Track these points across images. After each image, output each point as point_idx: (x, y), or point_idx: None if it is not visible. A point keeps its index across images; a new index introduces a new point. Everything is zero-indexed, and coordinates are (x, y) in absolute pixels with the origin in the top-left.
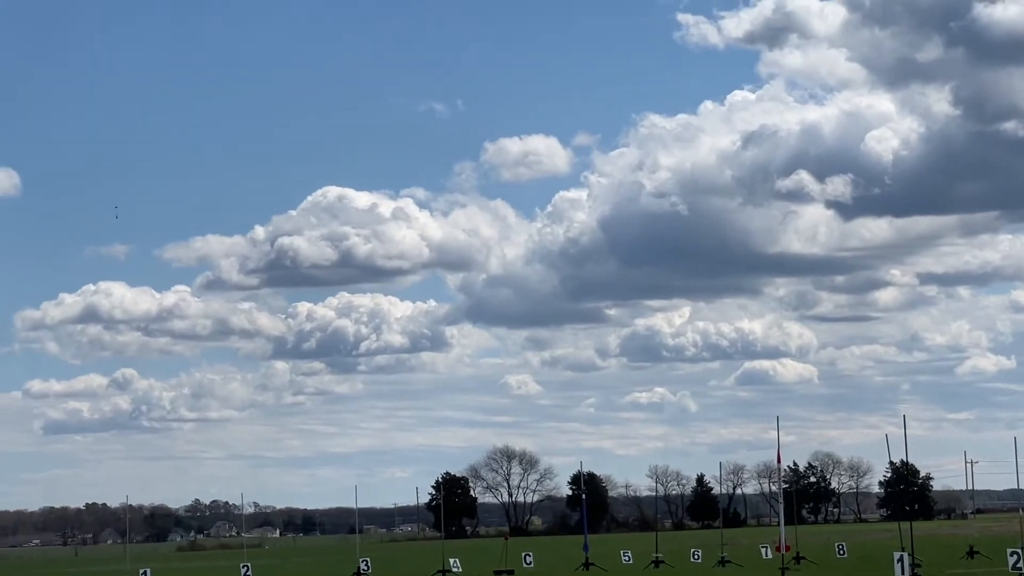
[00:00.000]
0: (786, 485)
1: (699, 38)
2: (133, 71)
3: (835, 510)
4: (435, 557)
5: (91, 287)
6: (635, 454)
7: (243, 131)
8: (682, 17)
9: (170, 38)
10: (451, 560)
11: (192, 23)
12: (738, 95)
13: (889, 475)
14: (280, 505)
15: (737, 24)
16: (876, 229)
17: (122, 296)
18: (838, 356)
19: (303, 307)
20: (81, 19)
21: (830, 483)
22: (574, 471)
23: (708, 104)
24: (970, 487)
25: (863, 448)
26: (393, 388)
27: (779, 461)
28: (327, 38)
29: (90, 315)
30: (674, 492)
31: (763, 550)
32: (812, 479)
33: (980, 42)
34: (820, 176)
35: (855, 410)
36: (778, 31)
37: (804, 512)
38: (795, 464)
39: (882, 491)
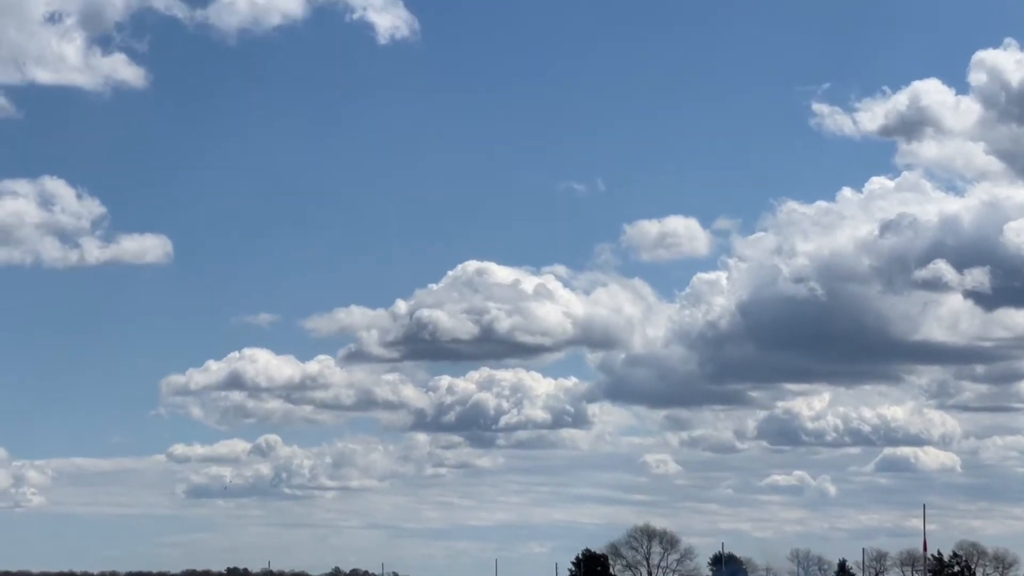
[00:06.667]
0: (930, 574)
1: (835, 127)
2: (283, 144)
3: None
4: None
5: (236, 354)
6: (772, 537)
7: (387, 205)
8: (817, 107)
9: (317, 112)
10: None
11: (339, 97)
12: (876, 182)
13: None
14: None
15: (871, 118)
16: (1019, 319)
17: (267, 363)
18: (980, 446)
19: (444, 380)
20: (232, 90)
21: (975, 573)
22: (712, 552)
23: (847, 191)
24: None
25: (1007, 539)
26: (532, 463)
27: (924, 549)
28: (469, 115)
29: (234, 382)
30: None
31: None
32: (956, 568)
33: None
34: (959, 266)
35: (998, 501)
36: (913, 124)
37: None
38: (939, 553)
39: None
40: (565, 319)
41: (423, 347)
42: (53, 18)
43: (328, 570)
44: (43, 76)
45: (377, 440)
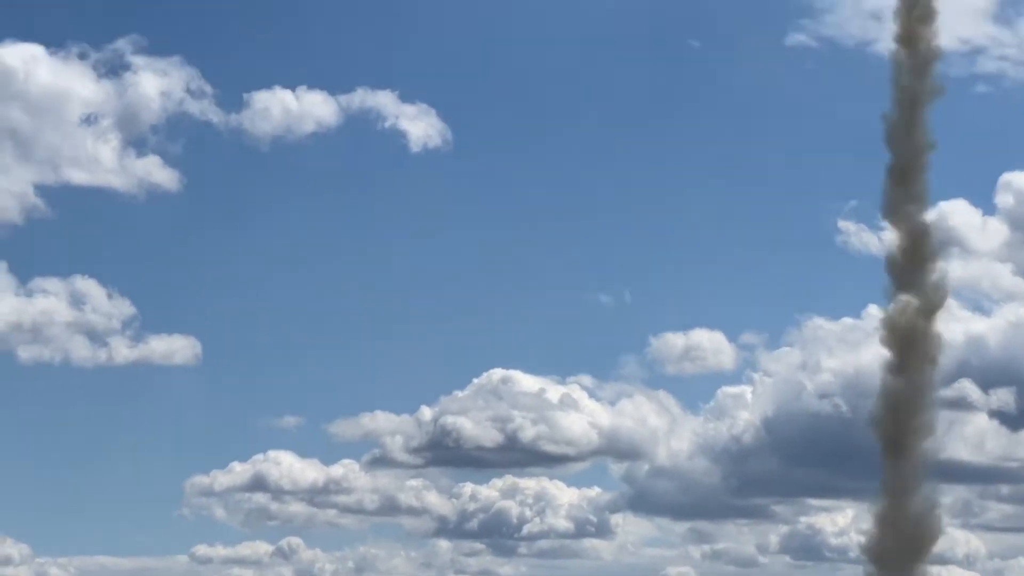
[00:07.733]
0: None
1: (861, 245)
2: (312, 248)
3: None
4: None
5: (260, 456)
6: None
7: (413, 311)
8: (843, 224)
9: (348, 218)
10: None
11: (370, 204)
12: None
13: None
14: None
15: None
16: None
17: (291, 466)
18: (1005, 567)
19: (467, 487)
20: (264, 195)
21: None
22: None
23: (873, 308)
24: None
25: None
26: (554, 572)
27: None
28: (497, 224)
29: (258, 484)
30: None
31: None
32: None
33: None
34: (984, 386)
35: None
36: (940, 244)
37: None
38: None
39: None
40: (590, 429)
41: (447, 454)
42: (89, 120)
43: None
44: (77, 177)
45: (399, 546)
